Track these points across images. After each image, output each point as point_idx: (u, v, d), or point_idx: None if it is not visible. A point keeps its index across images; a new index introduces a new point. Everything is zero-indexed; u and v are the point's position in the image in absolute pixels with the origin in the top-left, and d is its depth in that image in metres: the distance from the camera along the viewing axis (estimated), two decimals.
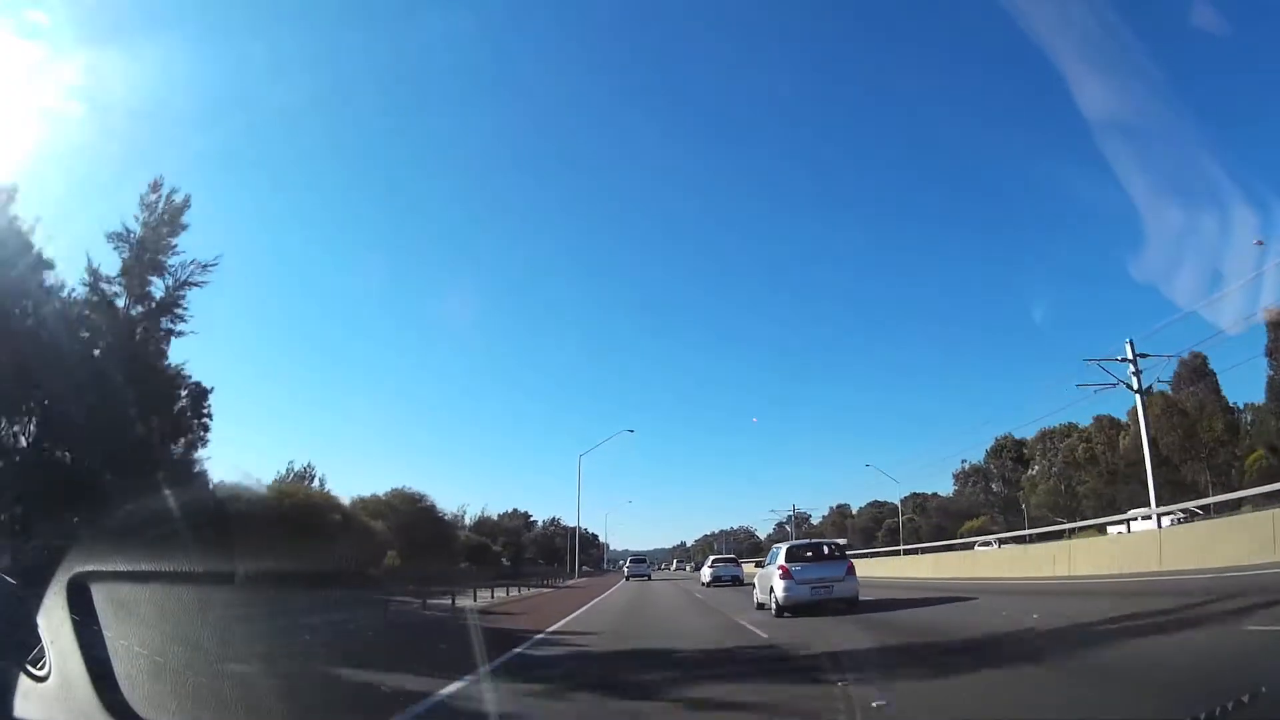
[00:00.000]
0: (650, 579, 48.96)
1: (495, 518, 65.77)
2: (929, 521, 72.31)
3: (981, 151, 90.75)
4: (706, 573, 36.77)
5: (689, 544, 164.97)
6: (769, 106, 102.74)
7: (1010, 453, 66.76)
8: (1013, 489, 65.79)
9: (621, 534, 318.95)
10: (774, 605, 15.47)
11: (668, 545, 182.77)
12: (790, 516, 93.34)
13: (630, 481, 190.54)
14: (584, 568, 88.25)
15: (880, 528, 79.43)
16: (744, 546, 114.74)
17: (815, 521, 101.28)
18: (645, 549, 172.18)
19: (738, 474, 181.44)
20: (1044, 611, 11.85)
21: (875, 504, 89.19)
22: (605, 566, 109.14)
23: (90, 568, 5.65)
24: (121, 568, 6.89)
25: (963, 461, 70.60)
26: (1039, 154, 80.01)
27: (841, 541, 32.78)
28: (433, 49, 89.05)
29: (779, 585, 15.21)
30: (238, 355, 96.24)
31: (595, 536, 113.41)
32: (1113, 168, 66.40)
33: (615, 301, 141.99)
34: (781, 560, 15.82)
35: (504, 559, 53.75)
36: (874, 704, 5.61)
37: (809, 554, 16.54)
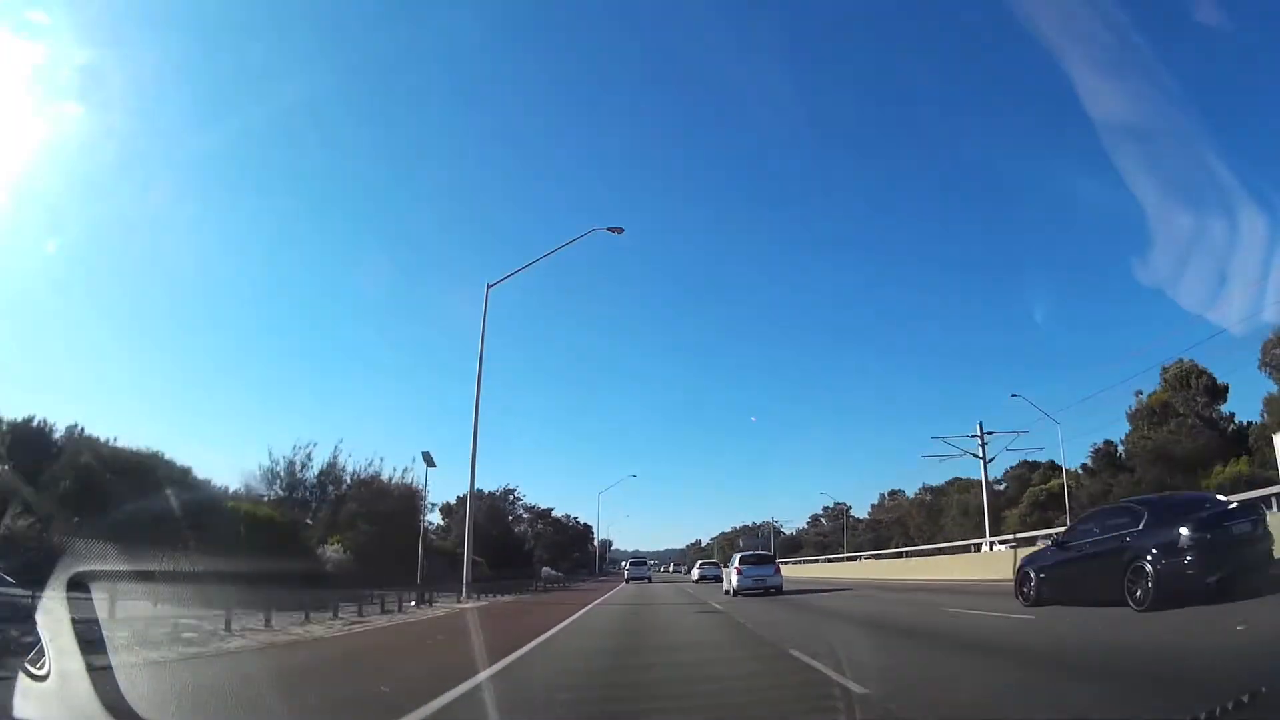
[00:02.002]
0: (650, 580, 51.15)
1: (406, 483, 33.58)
2: (1132, 479, 42.56)
3: (986, 153, 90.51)
4: (695, 572, 49.44)
5: (705, 542, 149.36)
6: (768, 109, 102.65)
7: (1203, 380, 47.34)
8: (1193, 433, 44.65)
9: (632, 536, 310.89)
10: (731, 591, 25.25)
11: (680, 545, 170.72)
12: (826, 509, 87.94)
13: (637, 478, 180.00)
14: (548, 570, 57.13)
15: (1019, 502, 50.92)
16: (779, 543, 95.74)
17: (859, 515, 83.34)
18: (657, 549, 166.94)
19: (763, 466, 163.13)
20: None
21: (963, 480, 59.73)
22: (599, 571, 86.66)
23: (89, 567, 5.66)
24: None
25: (1137, 394, 49.26)
26: (1044, 155, 79.85)
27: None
28: (431, 48, 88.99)
29: (734, 578, 25.22)
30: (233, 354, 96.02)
31: (589, 529, 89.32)
32: (1119, 170, 66.38)
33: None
34: (736, 564, 25.95)
35: (330, 551, 26.95)
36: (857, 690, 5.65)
37: (753, 560, 26.40)
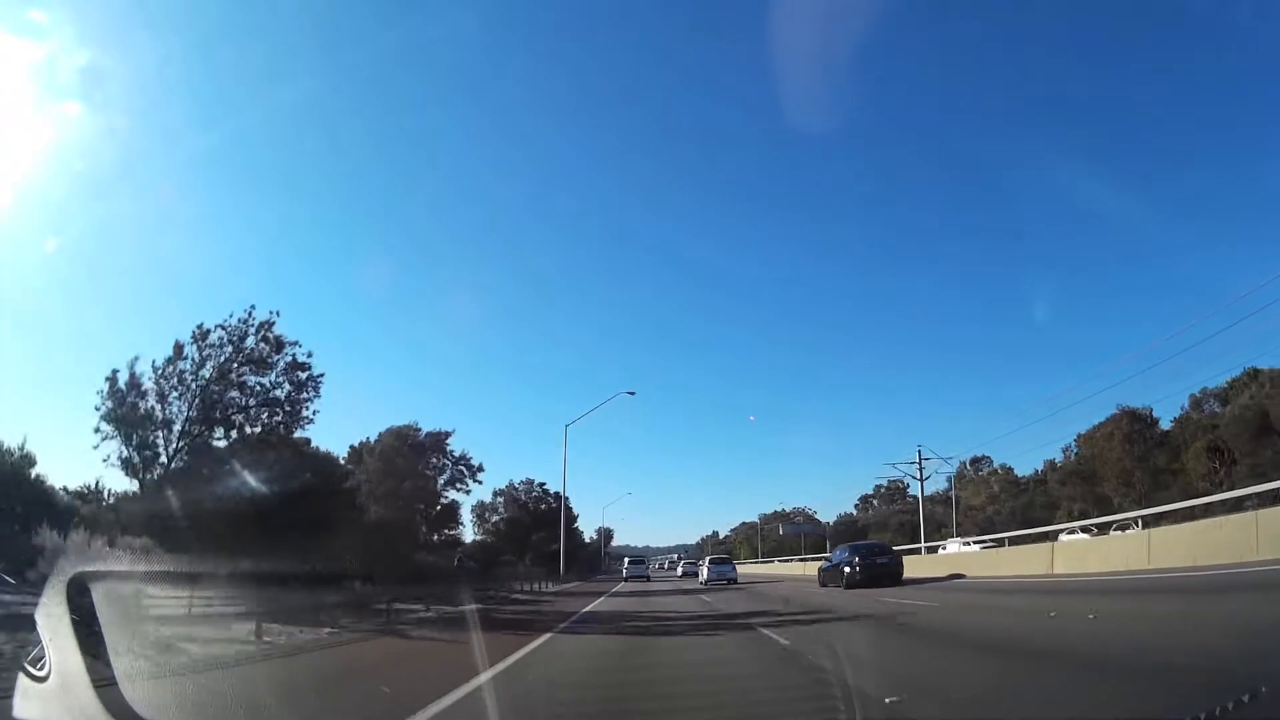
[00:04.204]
0: (650, 579, 51.15)
1: None
2: None
3: (986, 151, 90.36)
4: (679, 569, 63.37)
5: (723, 534, 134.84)
6: (768, 108, 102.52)
7: None
8: None
9: (640, 533, 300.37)
10: (702, 582, 37.33)
11: (692, 539, 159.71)
12: (879, 487, 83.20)
13: (640, 475, 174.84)
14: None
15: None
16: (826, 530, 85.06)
17: (933, 487, 60.53)
18: (667, 545, 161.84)
19: (781, 456, 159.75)
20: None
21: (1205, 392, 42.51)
22: (566, 570, 45.95)
23: (89, 567, 5.63)
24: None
25: None
26: (1046, 156, 79.70)
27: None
28: (433, 47, 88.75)
29: (704, 572, 39.50)
30: None
31: (565, 499, 54.30)
32: (1119, 169, 66.38)
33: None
34: (706, 563, 41.64)
35: None
36: (887, 700, 5.62)
37: (719, 560, 41.88)
